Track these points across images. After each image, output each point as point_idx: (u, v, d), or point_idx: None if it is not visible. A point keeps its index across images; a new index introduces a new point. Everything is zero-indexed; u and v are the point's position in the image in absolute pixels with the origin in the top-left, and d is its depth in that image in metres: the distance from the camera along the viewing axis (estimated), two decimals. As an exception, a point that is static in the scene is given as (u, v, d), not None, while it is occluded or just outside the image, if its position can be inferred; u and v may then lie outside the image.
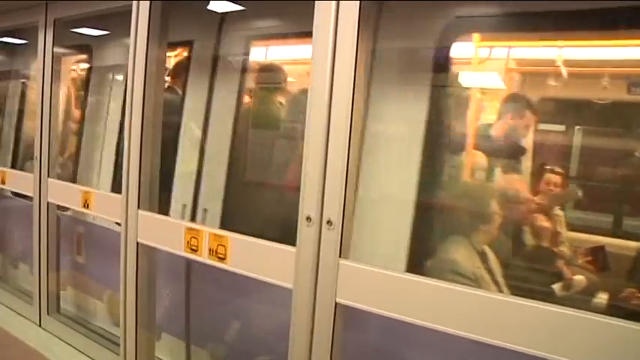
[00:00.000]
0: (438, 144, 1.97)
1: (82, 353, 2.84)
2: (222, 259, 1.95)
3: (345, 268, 1.63)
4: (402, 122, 1.99)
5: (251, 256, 1.87)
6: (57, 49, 3.05)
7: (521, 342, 1.35)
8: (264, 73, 2.81)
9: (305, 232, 1.67)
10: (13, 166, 4.05)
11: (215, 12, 2.78)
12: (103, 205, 2.62)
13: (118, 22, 2.52)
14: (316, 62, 1.63)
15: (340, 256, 1.63)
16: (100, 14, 2.74)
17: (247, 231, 1.90)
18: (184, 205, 2.82)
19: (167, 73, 3.12)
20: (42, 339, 3.06)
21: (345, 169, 1.58)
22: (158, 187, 2.36)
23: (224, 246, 1.94)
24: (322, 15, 1.62)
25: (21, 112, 4.30)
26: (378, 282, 1.59)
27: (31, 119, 3.71)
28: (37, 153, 3.06)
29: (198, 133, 2.83)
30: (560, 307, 1.31)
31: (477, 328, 1.43)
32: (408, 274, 1.57)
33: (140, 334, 2.43)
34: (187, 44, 2.98)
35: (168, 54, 3.11)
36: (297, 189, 1.71)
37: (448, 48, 1.94)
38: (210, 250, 2.00)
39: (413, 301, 1.53)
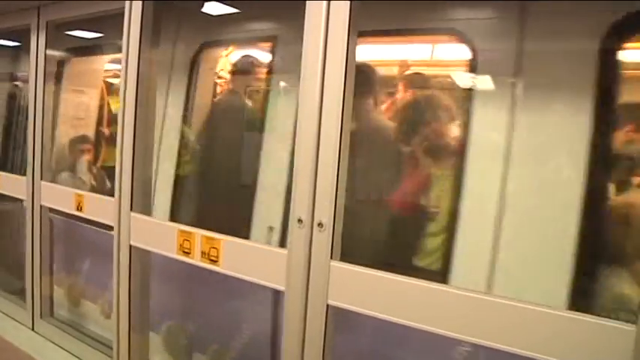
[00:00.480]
0: (601, 160, 1.75)
1: (75, 357, 2.82)
2: (214, 262, 1.95)
3: (336, 270, 1.63)
4: (562, 134, 1.79)
5: (243, 259, 1.87)
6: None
7: (507, 342, 1.35)
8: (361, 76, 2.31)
9: (296, 234, 1.67)
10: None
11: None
12: (95, 208, 2.61)
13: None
14: (307, 64, 1.63)
15: (331, 258, 1.63)
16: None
17: (359, 261, 1.62)
18: (271, 228, 2.47)
19: (217, 75, 2.87)
20: (35, 343, 3.04)
21: (336, 171, 1.58)
22: (239, 208, 2.18)
23: (216, 248, 1.93)
24: (313, 15, 1.62)
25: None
26: (369, 283, 1.59)
27: (64, 124, 3.48)
28: (30, 157, 3.05)
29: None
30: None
31: (468, 329, 1.44)
32: (398, 275, 1.55)
33: (133, 338, 2.42)
34: (268, 40, 2.58)
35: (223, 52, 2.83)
36: (411, 208, 1.61)
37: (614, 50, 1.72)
38: (202, 252, 1.99)
39: (404, 302, 1.53)
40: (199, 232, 2.00)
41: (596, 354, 1.28)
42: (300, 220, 1.65)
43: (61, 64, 3.05)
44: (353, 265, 1.62)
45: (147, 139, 2.32)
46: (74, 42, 3.50)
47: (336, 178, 1.58)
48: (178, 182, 2.86)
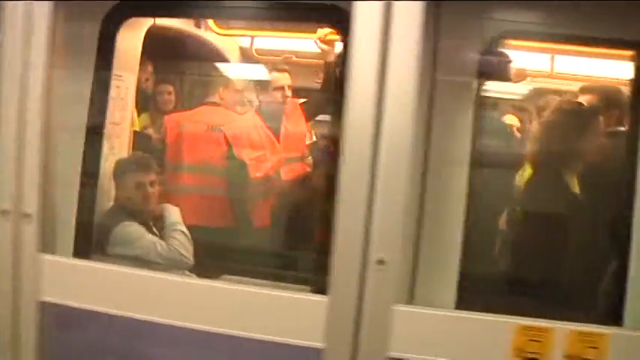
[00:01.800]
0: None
1: None
2: None
3: (48, 264, 1.58)
4: None
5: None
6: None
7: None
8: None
9: (1, 227, 1.58)
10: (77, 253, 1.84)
11: None
12: None
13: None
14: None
15: (41, 251, 1.58)
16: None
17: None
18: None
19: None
20: None
21: (41, 160, 1.55)
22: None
23: None
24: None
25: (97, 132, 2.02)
26: (84, 276, 1.59)
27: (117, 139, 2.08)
28: None
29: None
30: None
31: (173, 313, 1.51)
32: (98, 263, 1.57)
33: None
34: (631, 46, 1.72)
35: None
36: None
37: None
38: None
39: (122, 293, 1.56)
40: None
41: (291, 327, 1.43)
42: (4, 212, 1.57)
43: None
44: (65, 258, 1.60)
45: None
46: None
47: (40, 166, 1.54)
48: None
